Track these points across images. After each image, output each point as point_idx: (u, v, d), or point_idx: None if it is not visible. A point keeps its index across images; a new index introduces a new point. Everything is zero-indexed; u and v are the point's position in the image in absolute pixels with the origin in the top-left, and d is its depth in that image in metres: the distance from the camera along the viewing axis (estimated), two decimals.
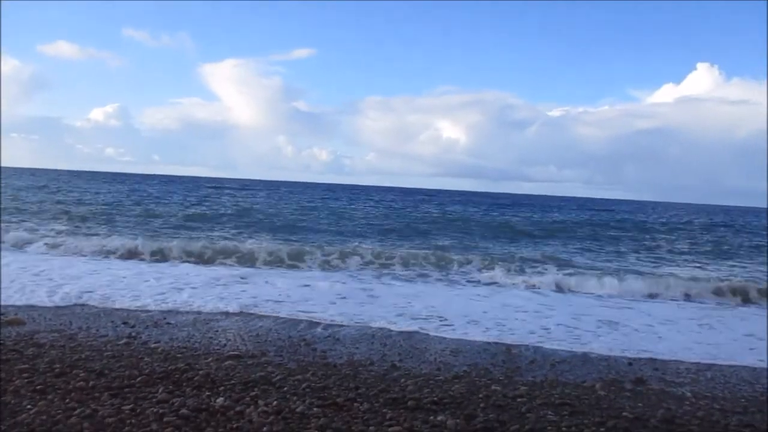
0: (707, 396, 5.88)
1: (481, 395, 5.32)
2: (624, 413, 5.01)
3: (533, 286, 12.76)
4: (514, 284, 13.00)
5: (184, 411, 4.38)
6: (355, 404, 4.84)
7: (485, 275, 13.89)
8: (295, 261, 14.53)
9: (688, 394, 5.91)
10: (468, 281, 13.34)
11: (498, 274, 13.86)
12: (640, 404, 5.40)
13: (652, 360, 7.26)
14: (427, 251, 16.53)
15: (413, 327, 8.39)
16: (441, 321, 8.87)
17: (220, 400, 4.70)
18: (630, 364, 7.04)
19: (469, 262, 15.24)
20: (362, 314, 9.05)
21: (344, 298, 10.42)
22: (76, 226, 20.10)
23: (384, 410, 4.73)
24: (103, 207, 29.49)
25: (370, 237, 22.20)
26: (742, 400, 5.80)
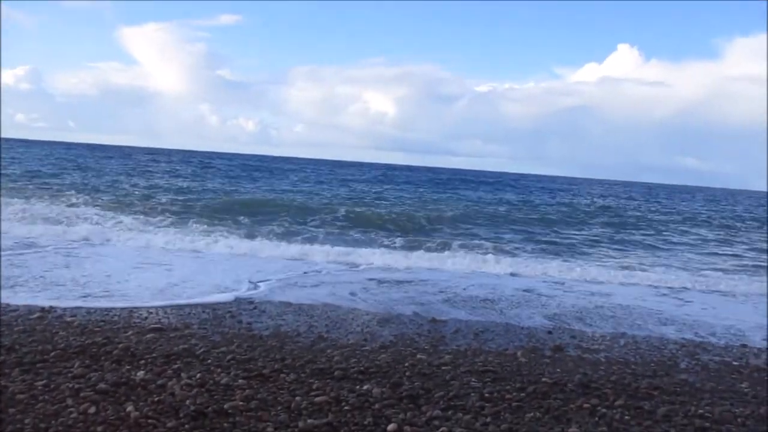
0: (620, 361, 6.18)
1: (407, 364, 5.38)
2: (543, 378, 5.20)
3: None
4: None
5: (102, 385, 4.22)
6: (282, 375, 4.80)
7: None
8: None
9: (603, 360, 6.19)
10: None
11: None
12: (558, 370, 5.61)
13: (570, 329, 7.57)
14: None
15: None
16: None
17: (140, 373, 4.55)
18: (549, 332, 7.31)
19: None
20: None
21: None
22: None
23: (310, 380, 4.72)
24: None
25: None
26: (652, 365, 6.14)
